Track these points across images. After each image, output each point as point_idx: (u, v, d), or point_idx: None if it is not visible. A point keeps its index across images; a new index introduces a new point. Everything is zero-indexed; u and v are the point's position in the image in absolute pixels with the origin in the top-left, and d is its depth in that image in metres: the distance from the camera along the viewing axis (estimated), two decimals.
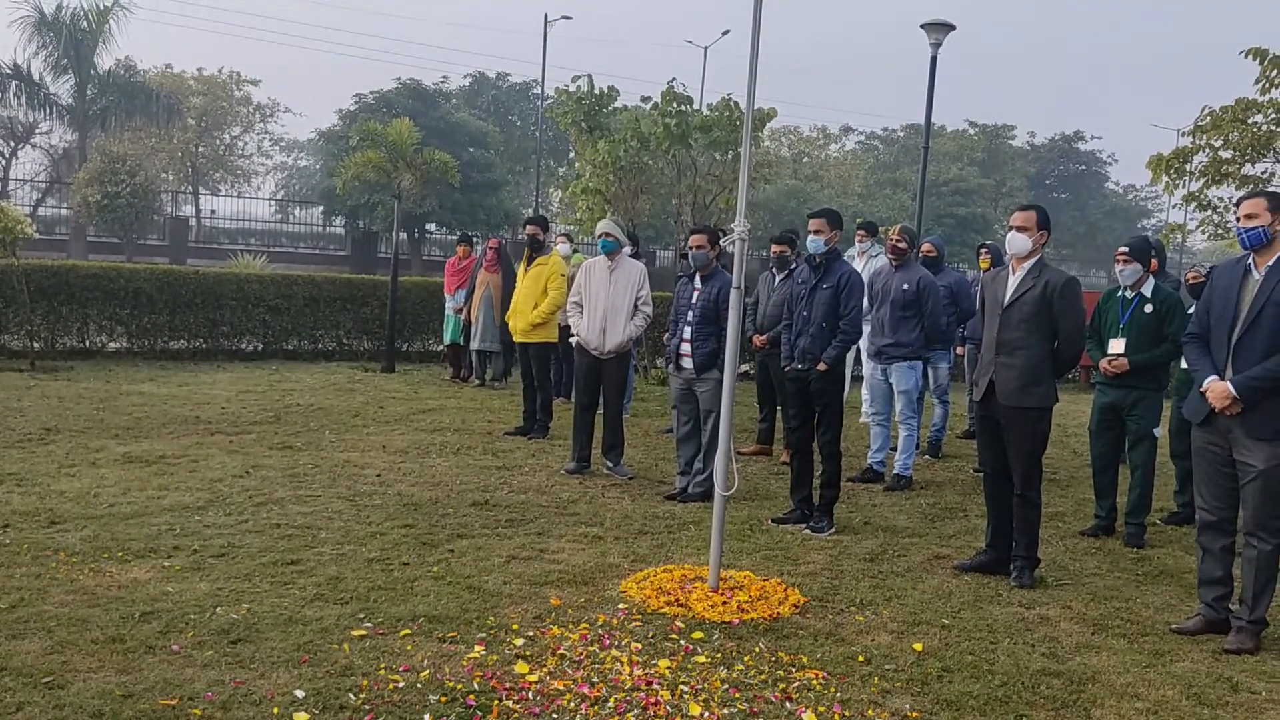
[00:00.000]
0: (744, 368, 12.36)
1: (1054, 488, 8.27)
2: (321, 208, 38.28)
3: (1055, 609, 5.25)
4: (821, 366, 6.57)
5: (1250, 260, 4.95)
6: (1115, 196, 59.53)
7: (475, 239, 16.49)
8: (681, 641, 4.46)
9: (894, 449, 8.34)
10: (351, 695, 3.75)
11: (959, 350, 9.90)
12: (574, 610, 4.78)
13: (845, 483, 7.91)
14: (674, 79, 12.21)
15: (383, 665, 4.02)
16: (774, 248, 9.54)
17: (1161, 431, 7.04)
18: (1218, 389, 4.87)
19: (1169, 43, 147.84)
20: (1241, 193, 9.68)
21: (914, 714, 3.87)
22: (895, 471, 8.09)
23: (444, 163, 13.50)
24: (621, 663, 4.15)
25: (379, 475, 7.30)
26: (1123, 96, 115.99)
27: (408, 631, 4.38)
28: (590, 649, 4.30)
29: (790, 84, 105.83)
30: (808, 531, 6.47)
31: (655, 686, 3.95)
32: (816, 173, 48.62)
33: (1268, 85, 12.75)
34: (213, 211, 43.14)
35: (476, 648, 4.23)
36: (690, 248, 7.22)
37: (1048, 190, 57.28)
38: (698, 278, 7.23)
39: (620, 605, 4.87)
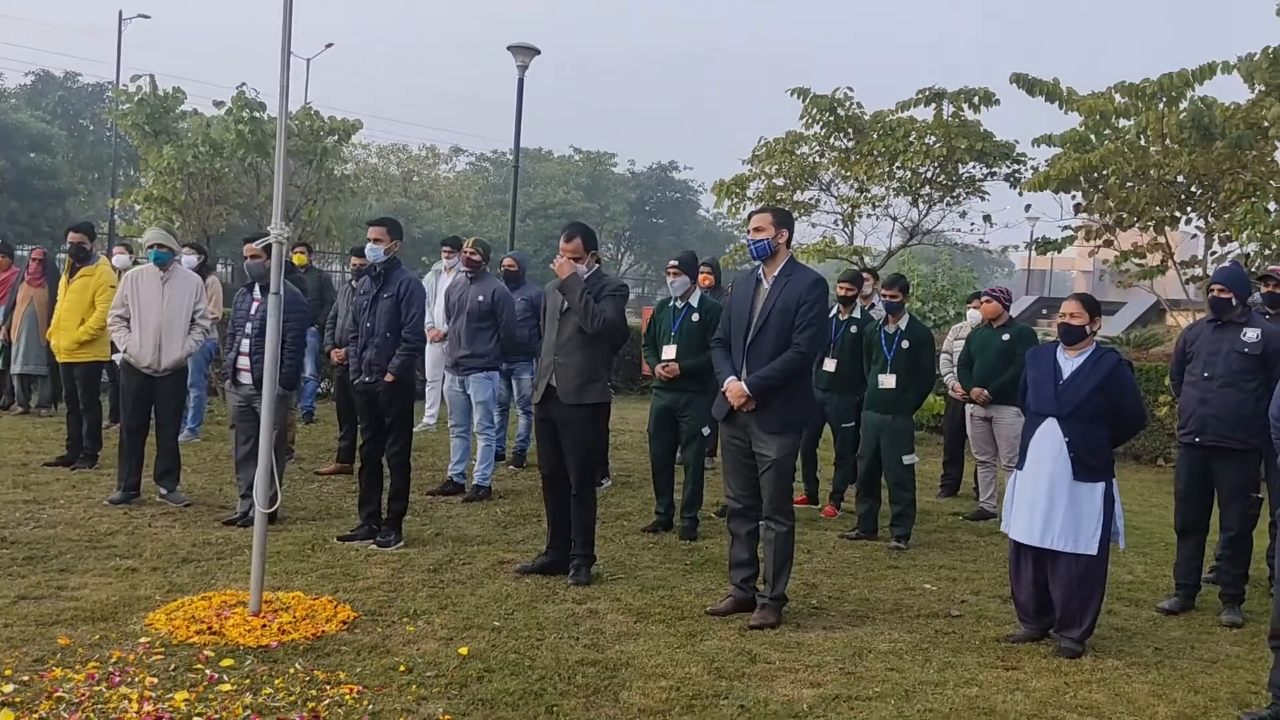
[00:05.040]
0: (324, 385, 11.97)
1: (626, 490, 8.69)
2: None
3: (606, 602, 5.48)
4: (389, 377, 6.47)
5: (761, 270, 5.46)
6: (706, 222, 64.29)
7: (17, 249, 14.70)
8: (207, 671, 4.17)
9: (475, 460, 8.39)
10: None
11: None
12: (85, 649, 4.32)
13: (426, 496, 7.88)
14: (244, 84, 11.63)
15: None
16: (353, 260, 9.31)
17: (709, 430, 7.58)
18: (734, 388, 5.31)
19: (753, 83, 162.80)
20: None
21: (446, 717, 3.87)
22: (474, 482, 8.14)
23: None
24: (130, 700, 3.80)
25: None
26: (712, 129, 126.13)
27: None
28: (96, 689, 3.90)
29: (402, 103, 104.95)
30: (374, 547, 6.33)
31: None
32: (427, 192, 48.44)
33: (810, 121, 14.33)
34: None
35: None
36: (246, 258, 6.86)
37: (648, 215, 60.80)
38: (256, 288, 6.88)
39: (142, 639, 4.47)
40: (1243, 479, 5.84)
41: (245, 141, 11.39)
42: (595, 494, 6.12)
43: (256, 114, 11.63)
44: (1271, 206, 10.39)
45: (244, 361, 6.79)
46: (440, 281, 10.11)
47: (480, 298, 8.14)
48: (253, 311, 6.84)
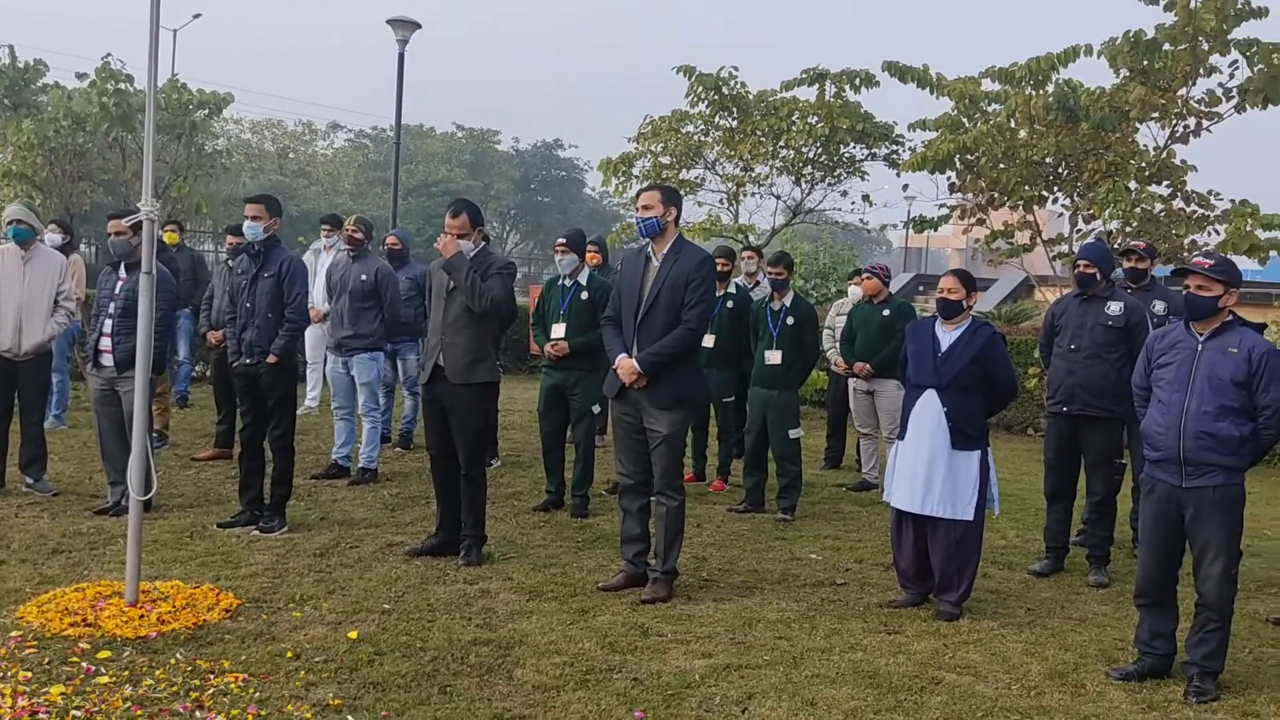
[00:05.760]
0: (198, 368, 11.60)
1: (516, 469, 8.66)
2: None
3: (497, 581, 5.46)
4: (271, 359, 6.31)
5: (650, 248, 5.49)
6: (593, 201, 64.15)
7: None
8: (83, 664, 4.02)
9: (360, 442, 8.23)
10: None
11: None
12: None
13: (309, 479, 7.71)
14: (109, 55, 11.10)
15: None
16: (229, 239, 9.03)
17: (599, 408, 7.60)
18: (625, 365, 5.34)
19: (630, 63, 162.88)
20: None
21: (336, 701, 3.81)
22: (360, 465, 8.00)
23: None
24: (3, 695, 3.66)
25: None
26: (597, 107, 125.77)
27: None
28: None
29: (276, 77, 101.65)
30: (256, 532, 6.18)
31: (42, 716, 3.50)
32: (304, 169, 47.06)
33: (695, 99, 14.42)
34: None
35: None
36: (110, 234, 6.58)
37: (533, 194, 60.30)
38: (122, 267, 6.61)
39: (13, 633, 4.29)
40: (1107, 446, 6.13)
41: (110, 115, 10.87)
42: (485, 474, 6.09)
43: (121, 86, 11.12)
44: (1132, 185, 10.87)
45: (106, 343, 6.55)
46: (320, 260, 9.86)
47: (363, 277, 7.99)
48: (116, 291, 6.59)
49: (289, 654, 4.23)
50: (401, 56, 15.55)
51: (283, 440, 6.39)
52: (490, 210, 50.12)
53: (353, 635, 4.48)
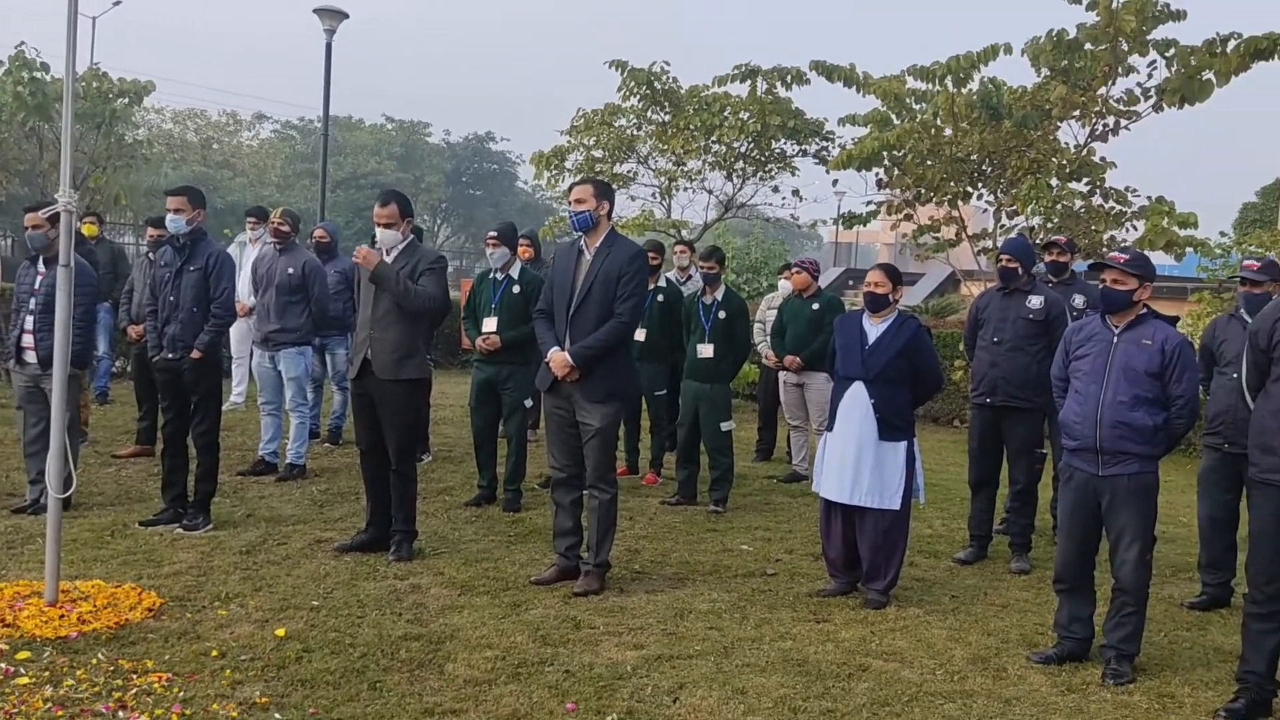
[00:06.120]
0: (118, 363, 11.34)
1: (448, 464, 8.59)
2: None
3: (429, 577, 5.43)
4: (196, 354, 6.19)
5: (582, 241, 5.49)
6: (525, 194, 63.83)
7: None
8: (2, 665, 3.92)
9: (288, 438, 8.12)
10: None
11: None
12: None
13: (235, 476, 7.58)
14: (23, 43, 10.78)
15: None
16: (150, 231, 8.83)
17: (532, 402, 7.58)
18: (558, 359, 5.34)
19: (569, 61, 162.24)
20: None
21: (263, 699, 3.76)
22: (288, 461, 7.88)
23: None
24: None
25: None
26: (529, 101, 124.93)
27: None
28: None
29: (200, 66, 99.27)
30: (180, 531, 6.06)
31: None
32: (228, 160, 46.12)
33: (628, 93, 14.44)
34: None
35: None
36: (27, 228, 6.39)
37: (465, 187, 59.86)
38: (41, 261, 6.43)
39: None
40: (1029, 436, 6.28)
41: (25, 104, 10.56)
42: (415, 469, 6.04)
43: (37, 74, 10.80)
44: (1054, 182, 11.14)
45: (28, 339, 6.36)
46: (245, 254, 9.69)
47: (290, 270, 7.87)
48: (36, 286, 6.40)
49: (214, 653, 4.17)
50: (329, 46, 15.34)
51: (207, 436, 6.27)
52: (421, 203, 49.64)
53: (280, 633, 4.42)
